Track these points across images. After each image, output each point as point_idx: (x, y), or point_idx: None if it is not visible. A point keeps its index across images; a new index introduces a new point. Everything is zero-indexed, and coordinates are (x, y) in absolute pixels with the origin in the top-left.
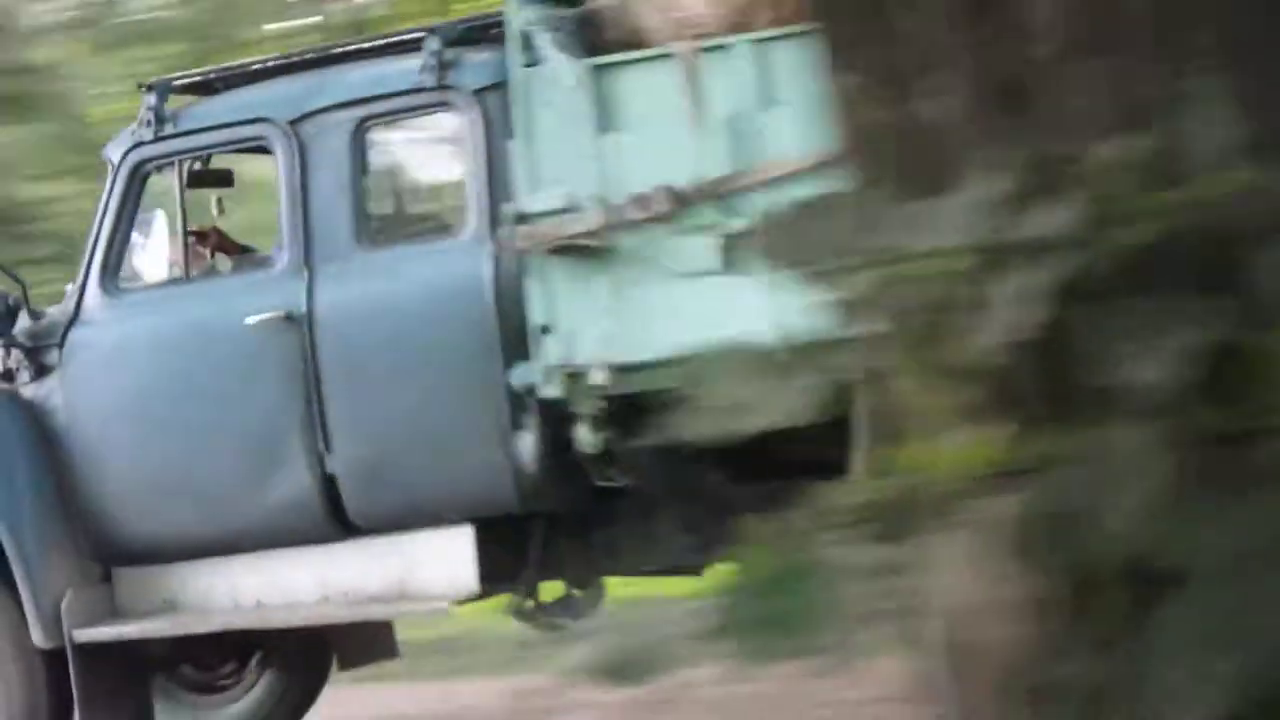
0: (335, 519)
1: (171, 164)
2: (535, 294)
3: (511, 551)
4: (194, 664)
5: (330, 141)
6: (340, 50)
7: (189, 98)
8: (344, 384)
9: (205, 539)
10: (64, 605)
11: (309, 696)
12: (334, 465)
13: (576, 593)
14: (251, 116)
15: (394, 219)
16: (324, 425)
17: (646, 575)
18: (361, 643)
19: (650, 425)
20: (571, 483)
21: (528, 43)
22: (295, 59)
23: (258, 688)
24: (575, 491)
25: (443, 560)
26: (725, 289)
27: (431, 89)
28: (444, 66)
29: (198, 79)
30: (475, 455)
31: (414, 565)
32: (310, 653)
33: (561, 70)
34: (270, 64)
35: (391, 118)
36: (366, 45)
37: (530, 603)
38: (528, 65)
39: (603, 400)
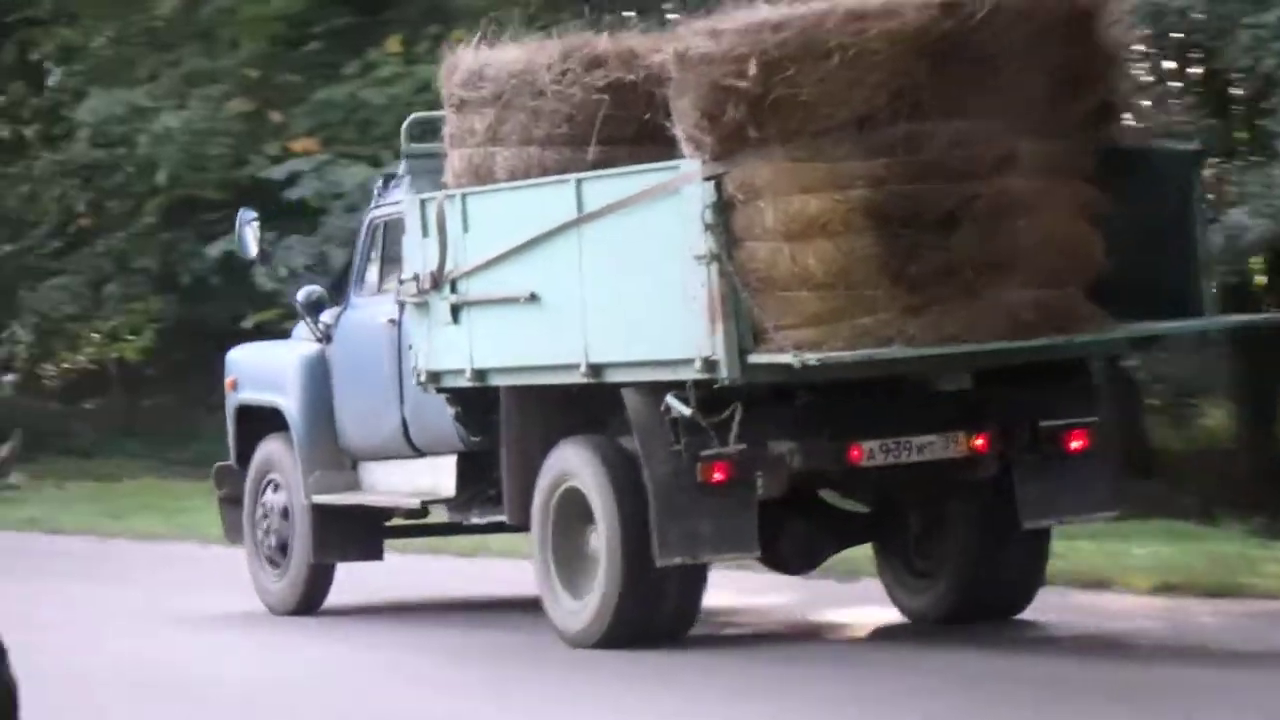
0: (410, 444)
1: (383, 221)
2: (406, 325)
3: (475, 471)
4: None
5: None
6: None
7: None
8: (406, 365)
9: (372, 449)
10: (310, 479)
11: None
12: (405, 412)
13: None
14: (398, 200)
15: None
16: (401, 387)
17: None
18: None
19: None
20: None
21: (401, 182)
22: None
23: None
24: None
25: (444, 474)
26: (454, 332)
27: None
28: None
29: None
30: (440, 414)
31: (437, 476)
32: None
33: (409, 200)
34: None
35: None
36: None
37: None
38: (409, 196)
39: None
